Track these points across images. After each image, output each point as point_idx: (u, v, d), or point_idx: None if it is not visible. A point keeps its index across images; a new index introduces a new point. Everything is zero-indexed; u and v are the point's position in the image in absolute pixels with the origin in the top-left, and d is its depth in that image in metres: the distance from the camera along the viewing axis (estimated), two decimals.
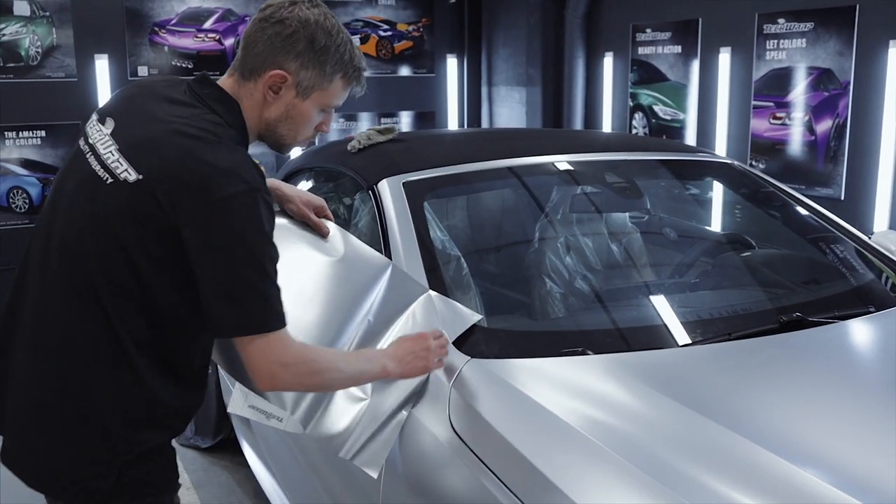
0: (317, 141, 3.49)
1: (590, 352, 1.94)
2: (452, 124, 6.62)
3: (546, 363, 1.91)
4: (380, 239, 2.38)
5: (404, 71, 6.39)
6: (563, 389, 1.79)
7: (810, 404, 1.74)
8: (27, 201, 5.50)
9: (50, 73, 5.45)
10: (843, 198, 4.32)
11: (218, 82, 1.71)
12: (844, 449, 1.57)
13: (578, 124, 5.98)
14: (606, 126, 5.85)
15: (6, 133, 5.38)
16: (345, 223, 2.86)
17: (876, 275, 2.52)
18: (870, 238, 2.73)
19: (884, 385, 1.86)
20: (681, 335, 2.09)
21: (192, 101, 1.66)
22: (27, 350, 1.65)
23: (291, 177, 3.41)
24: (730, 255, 2.77)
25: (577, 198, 2.81)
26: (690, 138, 5.21)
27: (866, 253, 2.60)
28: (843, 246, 2.62)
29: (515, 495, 1.51)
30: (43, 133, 5.47)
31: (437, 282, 2.15)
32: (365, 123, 6.31)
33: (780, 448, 1.53)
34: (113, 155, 1.59)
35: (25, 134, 5.42)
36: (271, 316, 1.56)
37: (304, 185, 3.25)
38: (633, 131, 5.63)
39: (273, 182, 2.12)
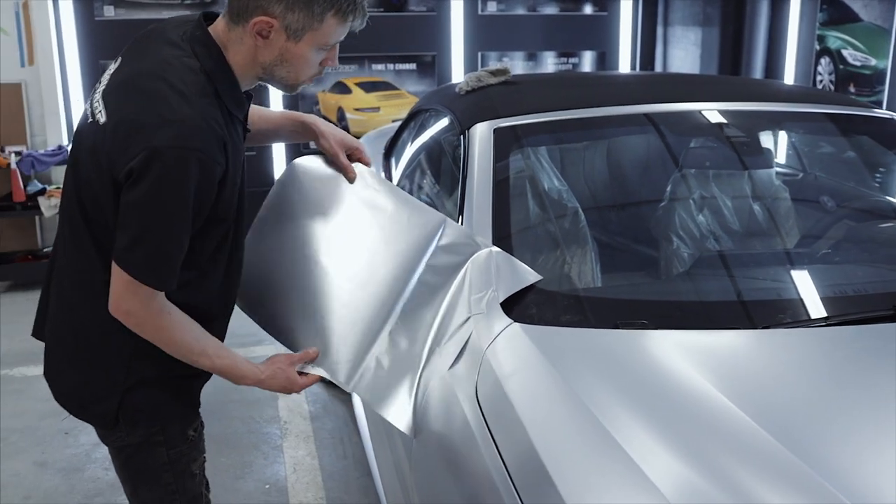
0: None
1: (650, 326, 1.74)
2: (625, 66, 6.28)
3: (597, 335, 1.73)
4: (460, 188, 2.26)
5: (574, 9, 6.11)
6: (605, 370, 1.61)
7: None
8: None
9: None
10: None
11: (213, 24, 1.67)
12: None
13: (758, 69, 5.49)
14: (789, 72, 5.33)
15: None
16: (449, 169, 2.75)
17: None
18: None
19: None
20: (776, 313, 1.83)
21: (182, 42, 1.63)
22: (53, 284, 1.76)
23: (412, 118, 3.33)
24: (858, 227, 2.41)
25: (696, 150, 2.53)
26: (885, 87, 4.63)
27: None
28: None
29: (513, 482, 1.37)
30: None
31: (504, 240, 2.00)
32: (544, 63, 6.17)
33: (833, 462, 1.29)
34: (97, 96, 1.63)
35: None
36: (153, 273, 1.56)
37: (419, 128, 3.16)
38: (818, 79, 5.09)
39: (310, 117, 2.05)
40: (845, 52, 4.88)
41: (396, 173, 3.23)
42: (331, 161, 2.05)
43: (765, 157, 2.52)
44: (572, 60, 6.17)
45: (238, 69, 1.66)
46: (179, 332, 1.65)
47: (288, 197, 2.08)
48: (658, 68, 6.26)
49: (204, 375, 1.82)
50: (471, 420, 1.59)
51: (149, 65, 1.60)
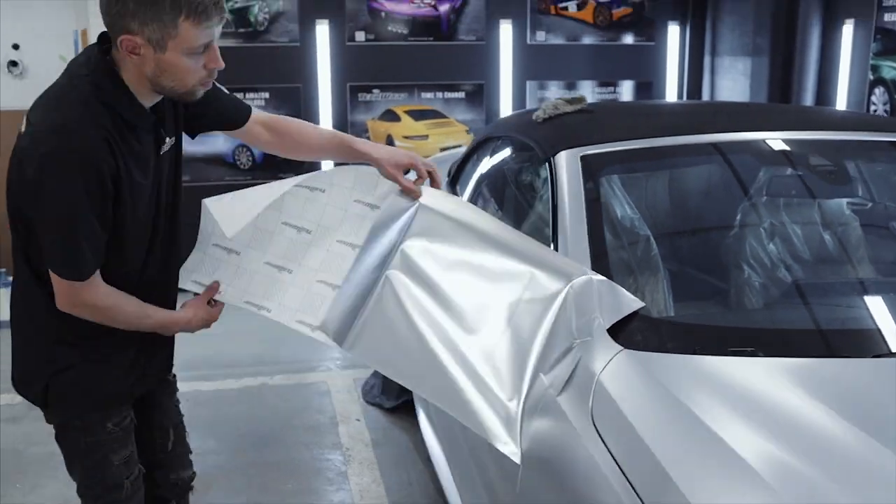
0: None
1: (760, 353, 1.73)
2: (671, 96, 6.30)
3: (708, 362, 1.72)
4: (550, 215, 2.27)
5: (622, 39, 6.15)
6: (721, 394, 1.61)
7: None
8: (251, 158, 5.84)
9: (274, 37, 5.73)
10: None
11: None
12: None
13: (809, 99, 5.49)
14: (841, 102, 5.32)
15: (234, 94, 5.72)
16: (528, 196, 2.76)
17: None
18: None
19: None
20: (870, 343, 1.83)
21: (73, 64, 1.82)
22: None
23: (481, 146, 3.35)
24: None
25: (780, 180, 2.53)
26: None
27: None
28: None
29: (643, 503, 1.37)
30: (266, 95, 5.77)
31: (602, 266, 2.01)
32: (584, 92, 6.14)
33: None
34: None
35: (251, 95, 5.74)
36: (71, 267, 1.77)
37: (491, 155, 3.18)
38: (872, 109, 5.08)
39: (360, 144, 2.11)
40: None
41: (465, 200, 3.25)
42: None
43: (851, 186, 2.52)
44: (611, 89, 6.20)
45: (133, 86, 1.79)
46: (124, 306, 1.88)
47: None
48: (706, 98, 6.27)
49: (123, 365, 1.97)
50: (584, 438, 1.59)
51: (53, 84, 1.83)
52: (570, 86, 6.17)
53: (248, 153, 5.82)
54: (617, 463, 1.49)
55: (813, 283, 2.27)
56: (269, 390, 4.24)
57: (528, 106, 6.08)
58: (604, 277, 1.94)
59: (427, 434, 3.10)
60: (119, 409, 2.01)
